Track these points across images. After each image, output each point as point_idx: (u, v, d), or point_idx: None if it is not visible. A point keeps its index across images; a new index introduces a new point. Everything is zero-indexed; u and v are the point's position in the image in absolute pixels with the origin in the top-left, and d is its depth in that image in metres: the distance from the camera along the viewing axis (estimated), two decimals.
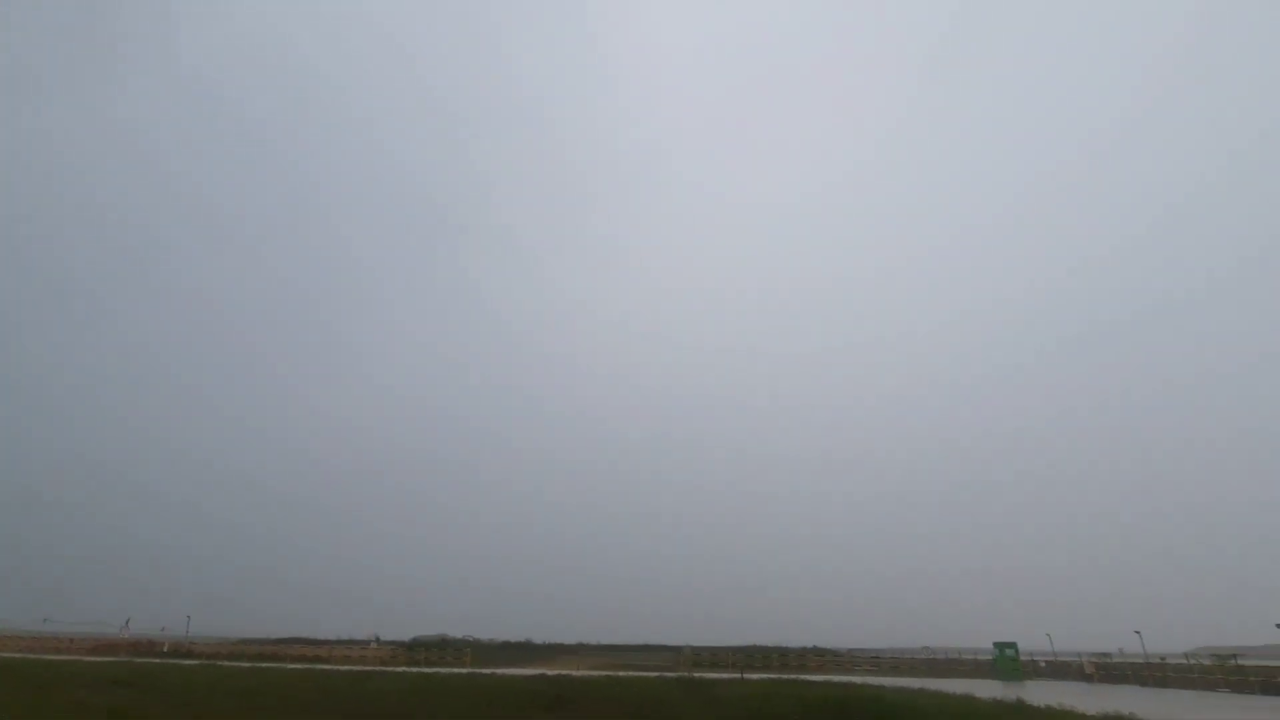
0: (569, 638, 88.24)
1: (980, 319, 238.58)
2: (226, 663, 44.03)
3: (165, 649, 59.96)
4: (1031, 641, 62.76)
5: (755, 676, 38.65)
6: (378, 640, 74.99)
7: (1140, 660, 54.99)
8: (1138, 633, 59.43)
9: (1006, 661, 51.83)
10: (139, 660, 44.47)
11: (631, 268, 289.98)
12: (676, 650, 67.67)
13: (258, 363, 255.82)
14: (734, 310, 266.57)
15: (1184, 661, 51.48)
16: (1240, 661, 46.81)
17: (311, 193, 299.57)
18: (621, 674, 39.09)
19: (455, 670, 42.90)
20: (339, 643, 73.43)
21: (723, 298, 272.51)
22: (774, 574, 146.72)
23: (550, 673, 39.56)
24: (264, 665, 41.74)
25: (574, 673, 40.06)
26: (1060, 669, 56.62)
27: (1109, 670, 52.59)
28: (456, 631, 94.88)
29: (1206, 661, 50.77)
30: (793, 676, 40.07)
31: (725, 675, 39.79)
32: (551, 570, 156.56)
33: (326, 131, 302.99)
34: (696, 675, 39.24)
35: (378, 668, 44.38)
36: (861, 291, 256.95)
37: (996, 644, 53.23)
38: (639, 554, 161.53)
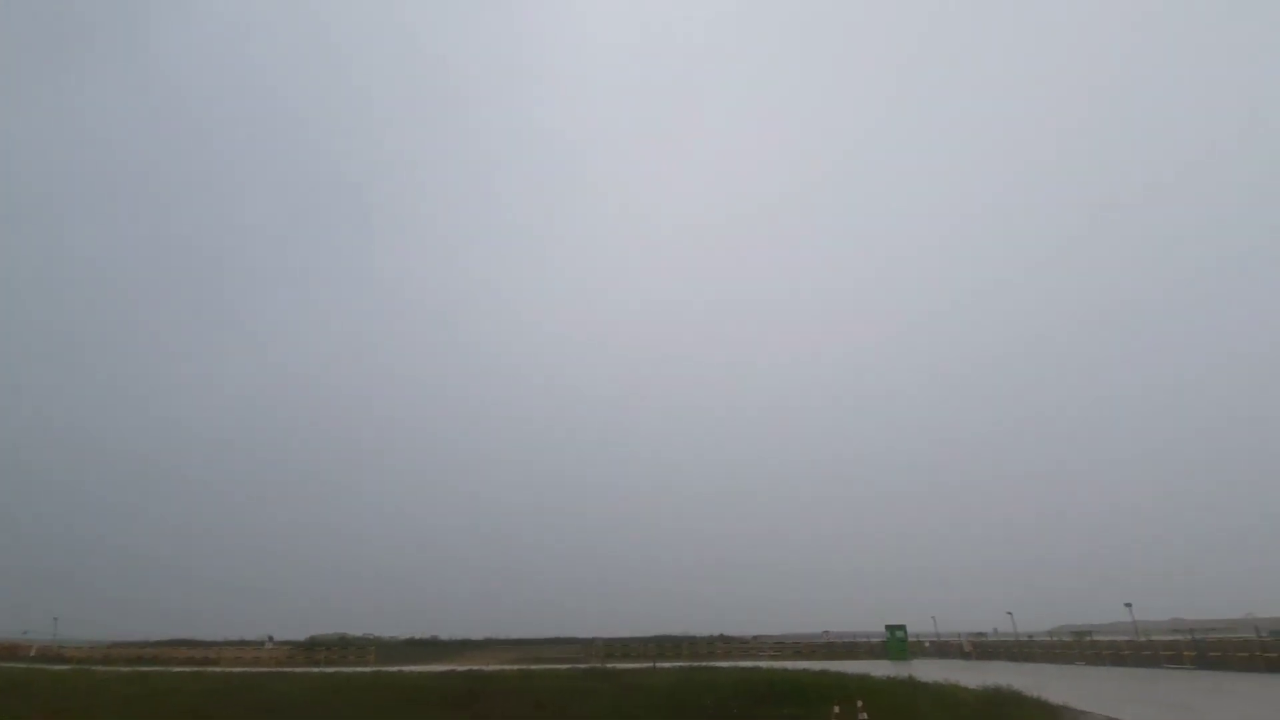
0: (476, 633, 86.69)
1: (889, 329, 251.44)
2: (102, 668, 40.51)
3: (33, 653, 54.55)
4: (919, 623, 67.66)
5: (667, 665, 39.51)
6: (272, 640, 71.00)
7: (1011, 639, 60.41)
8: (1010, 614, 65.26)
9: (897, 643, 55.68)
10: (2, 665, 40.26)
11: (549, 262, 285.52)
12: (588, 642, 68.07)
13: (141, 329, 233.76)
14: (658, 317, 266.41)
15: (1048, 639, 57.02)
16: (1095, 638, 52.33)
17: (216, 158, 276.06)
18: (534, 667, 38.97)
19: (360, 669, 41.35)
20: (228, 644, 68.96)
21: (652, 302, 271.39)
22: (680, 566, 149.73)
23: (460, 669, 38.90)
24: (146, 669, 38.73)
25: (485, 668, 39.56)
26: (943, 648, 61.31)
27: (984, 648, 57.49)
28: (356, 630, 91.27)
29: (1067, 638, 56.46)
30: (703, 664, 41.22)
31: (638, 665, 40.46)
32: (455, 565, 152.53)
33: (240, 101, 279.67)
34: (610, 666, 39.73)
35: (275, 669, 42.13)
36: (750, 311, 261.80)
37: (888, 626, 57.01)
38: (544, 548, 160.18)
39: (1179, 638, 41.97)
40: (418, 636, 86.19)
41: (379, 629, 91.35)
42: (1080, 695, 20.50)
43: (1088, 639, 51.06)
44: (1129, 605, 52.55)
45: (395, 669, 39.50)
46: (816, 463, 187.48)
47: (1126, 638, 50.48)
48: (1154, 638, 48.89)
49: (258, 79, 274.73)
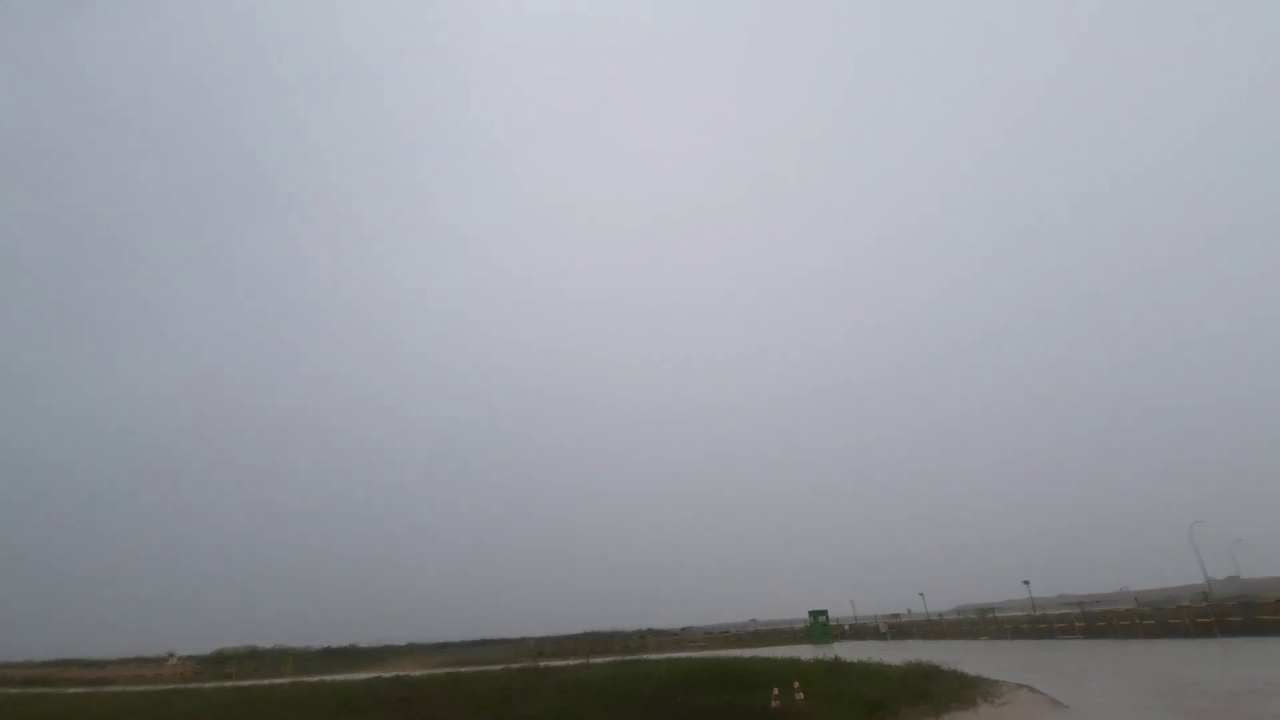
0: (397, 639, 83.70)
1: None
2: None
3: None
4: (839, 608, 70.75)
5: (600, 661, 39.64)
6: (175, 656, 66.33)
7: (923, 618, 64.09)
8: (922, 595, 69.19)
9: (819, 627, 58.04)
10: None
11: (472, 261, 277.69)
12: (517, 643, 67.30)
13: (18, 310, 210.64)
14: (590, 316, 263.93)
15: (955, 617, 60.83)
16: (996, 614, 56.19)
17: (111, 128, 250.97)
18: (465, 670, 38.22)
19: (277, 681, 39.35)
20: (124, 661, 63.91)
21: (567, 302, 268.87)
22: (602, 563, 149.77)
23: (387, 675, 37.70)
24: (36, 692, 35.38)
25: (413, 673, 38.52)
26: (861, 630, 64.38)
27: (899, 629, 60.79)
28: (267, 641, 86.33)
29: (972, 616, 60.34)
30: (635, 657, 41.67)
31: (571, 662, 40.37)
32: (369, 570, 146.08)
33: (140, 74, 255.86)
34: (543, 665, 39.45)
35: (181, 685, 39.41)
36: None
37: (811, 612, 59.32)
38: (463, 549, 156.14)
39: (1069, 611, 45.66)
40: (335, 645, 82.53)
41: (291, 639, 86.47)
42: (991, 666, 22.05)
43: (990, 616, 54.78)
44: (1027, 583, 56.78)
45: (316, 679, 37.85)
46: (735, 459, 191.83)
47: (1023, 613, 54.51)
48: (1048, 611, 53.05)
49: (160, 53, 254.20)
